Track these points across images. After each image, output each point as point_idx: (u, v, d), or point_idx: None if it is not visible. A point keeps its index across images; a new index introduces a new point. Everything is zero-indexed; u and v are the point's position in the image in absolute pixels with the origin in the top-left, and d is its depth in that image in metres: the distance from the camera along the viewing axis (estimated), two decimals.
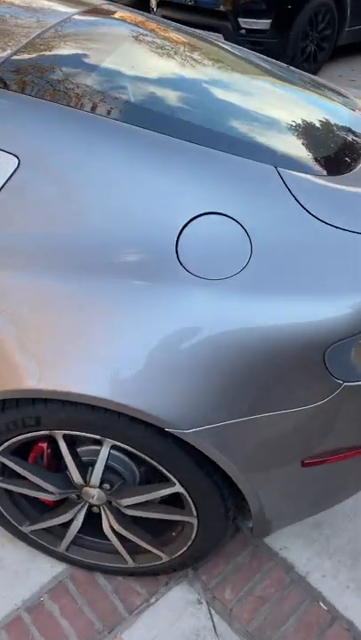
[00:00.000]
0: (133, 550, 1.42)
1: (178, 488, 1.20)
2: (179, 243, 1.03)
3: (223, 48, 1.88)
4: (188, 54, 1.63)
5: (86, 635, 1.40)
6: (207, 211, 1.05)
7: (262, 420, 1.07)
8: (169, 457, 1.13)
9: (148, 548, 1.37)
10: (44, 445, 1.29)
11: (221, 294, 1.02)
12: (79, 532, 1.44)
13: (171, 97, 1.32)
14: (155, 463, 1.16)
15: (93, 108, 1.14)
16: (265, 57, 2.06)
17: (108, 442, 1.18)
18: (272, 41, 5.13)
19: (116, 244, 1.04)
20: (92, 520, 1.43)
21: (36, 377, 1.06)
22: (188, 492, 1.20)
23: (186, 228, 1.03)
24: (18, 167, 1.08)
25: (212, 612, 1.44)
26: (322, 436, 1.15)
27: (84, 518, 1.41)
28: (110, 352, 1.03)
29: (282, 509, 1.30)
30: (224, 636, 1.40)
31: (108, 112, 1.15)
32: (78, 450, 1.28)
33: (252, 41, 5.12)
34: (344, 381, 1.07)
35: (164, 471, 1.17)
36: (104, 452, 1.20)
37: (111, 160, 1.07)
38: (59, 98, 1.15)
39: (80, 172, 1.07)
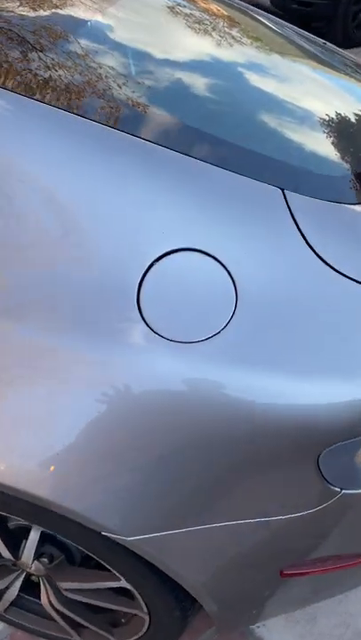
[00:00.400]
0: (79, 625, 1.21)
1: (124, 583, 0.96)
2: (142, 289, 0.76)
3: (256, 22, 1.56)
4: (219, 30, 1.32)
5: None
6: (180, 247, 0.77)
7: (228, 529, 0.82)
8: (110, 556, 0.89)
9: (94, 629, 1.15)
10: None
11: (190, 364, 0.75)
12: (20, 590, 1.23)
13: (159, 79, 1.03)
14: (96, 558, 0.92)
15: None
16: (304, 33, 1.71)
17: (38, 528, 0.94)
18: (322, 2, 4.77)
19: (44, 288, 0.78)
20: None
21: None
22: (137, 589, 0.96)
23: (152, 269, 0.76)
24: None
25: None
26: (309, 547, 0.89)
27: (26, 579, 1.19)
28: (37, 437, 0.78)
29: (252, 612, 1.05)
30: None
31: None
32: (9, 524, 1.04)
33: (300, 1, 4.79)
34: (342, 489, 0.81)
35: (108, 566, 0.93)
36: (34, 536, 0.97)
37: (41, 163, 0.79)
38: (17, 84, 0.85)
39: None
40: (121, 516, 0.78)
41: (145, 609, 1.00)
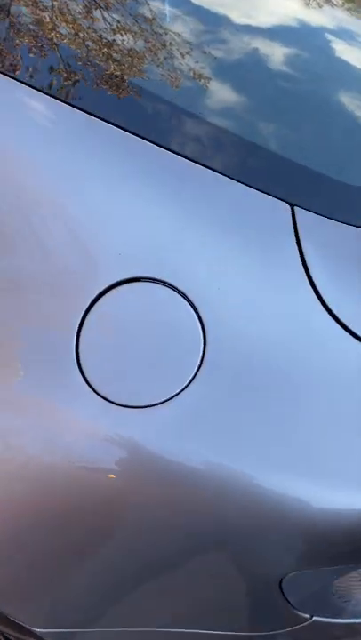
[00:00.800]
0: None
1: None
2: (81, 335, 0.56)
3: None
4: None
5: None
6: (135, 275, 0.57)
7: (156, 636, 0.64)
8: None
9: None
10: None
11: (138, 433, 0.56)
12: None
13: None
14: None
15: None
16: None
17: None
18: None
19: None
20: None
21: None
22: None
23: (94, 308, 0.56)
24: None
25: None
26: None
27: None
28: None
29: None
30: None
31: None
32: None
33: None
34: (313, 616, 0.61)
35: None
36: None
37: None
38: None
39: None
40: (30, 608, 0.62)
41: None
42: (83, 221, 0.58)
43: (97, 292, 0.54)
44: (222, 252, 0.60)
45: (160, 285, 0.57)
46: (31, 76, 0.65)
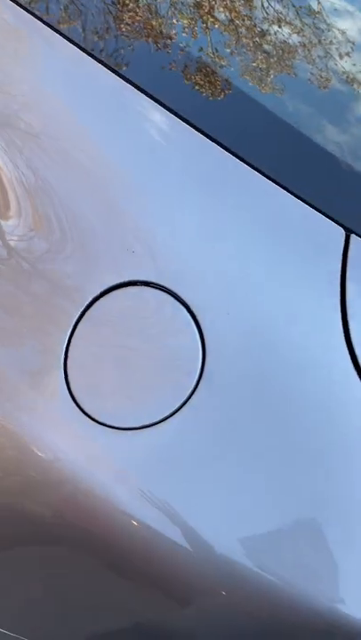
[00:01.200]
0: None
1: None
2: (70, 348, 0.53)
3: None
4: None
5: None
6: (136, 279, 0.51)
7: None
8: None
9: None
10: None
11: (129, 457, 0.51)
12: None
13: None
14: None
15: None
16: None
17: None
18: None
19: None
20: None
21: None
22: None
23: (87, 314, 0.52)
24: None
25: None
26: None
27: None
28: None
29: None
30: None
31: None
32: None
33: None
34: None
35: None
36: None
37: None
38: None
39: None
40: None
41: None
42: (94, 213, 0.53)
43: (93, 296, 0.50)
44: (250, 266, 0.52)
45: (156, 290, 0.51)
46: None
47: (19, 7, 0.62)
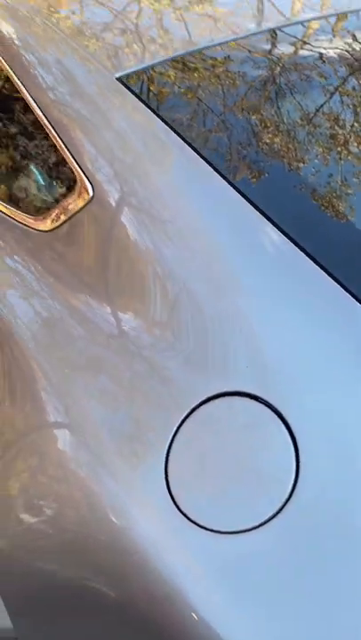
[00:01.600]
0: None
1: None
2: (173, 442, 0.56)
3: None
4: None
5: None
6: (228, 390, 0.55)
7: None
8: None
9: None
10: None
11: (213, 557, 0.53)
12: None
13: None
14: None
15: None
16: None
17: None
18: None
19: None
20: None
21: None
22: None
23: (194, 414, 0.56)
24: None
25: None
26: None
27: None
28: None
29: None
30: None
31: None
32: None
33: None
34: None
35: None
36: None
37: None
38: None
39: None
40: None
41: None
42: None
43: (201, 399, 0.54)
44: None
45: (250, 400, 0.54)
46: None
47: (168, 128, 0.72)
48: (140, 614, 0.54)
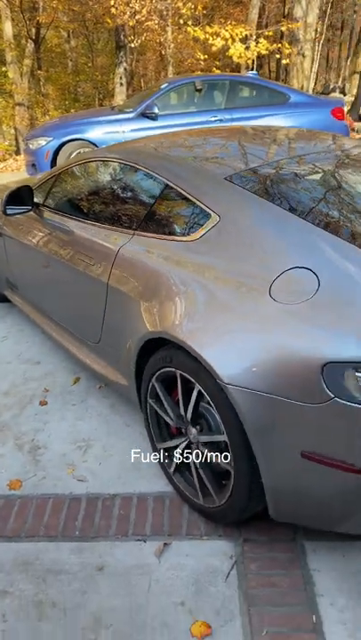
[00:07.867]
0: (203, 492, 1.95)
1: (225, 437, 1.70)
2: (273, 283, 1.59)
3: None
4: None
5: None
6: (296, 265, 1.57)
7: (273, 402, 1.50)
8: (222, 405, 1.65)
9: (210, 489, 1.88)
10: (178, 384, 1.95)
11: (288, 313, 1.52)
12: (180, 465, 2.05)
13: None
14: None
15: None
16: None
17: (197, 386, 1.77)
18: None
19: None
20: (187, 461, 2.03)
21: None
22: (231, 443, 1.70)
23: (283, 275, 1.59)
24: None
25: (234, 567, 1.84)
26: (315, 436, 1.46)
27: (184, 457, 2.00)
28: (223, 337, 1.64)
29: (293, 499, 1.61)
30: (229, 583, 1.79)
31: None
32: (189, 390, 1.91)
33: None
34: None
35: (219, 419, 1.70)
36: (194, 393, 1.81)
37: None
38: None
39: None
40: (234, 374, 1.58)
41: (233, 464, 1.70)
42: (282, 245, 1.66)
43: (284, 268, 1.63)
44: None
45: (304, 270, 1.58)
46: None
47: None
48: None
